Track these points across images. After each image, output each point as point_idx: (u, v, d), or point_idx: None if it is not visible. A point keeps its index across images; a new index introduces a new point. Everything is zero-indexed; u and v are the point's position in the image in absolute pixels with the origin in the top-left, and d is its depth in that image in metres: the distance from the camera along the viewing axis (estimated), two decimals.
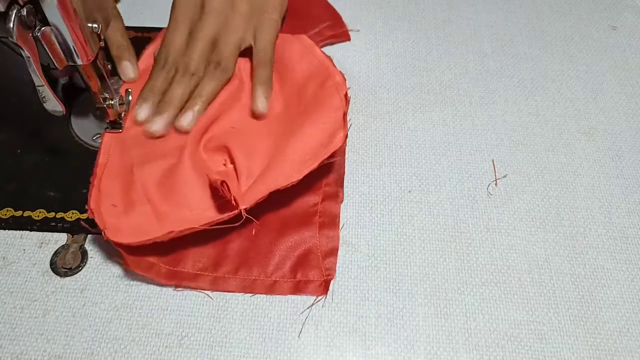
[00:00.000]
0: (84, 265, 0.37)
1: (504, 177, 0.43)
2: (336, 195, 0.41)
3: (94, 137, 0.43)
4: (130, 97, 0.41)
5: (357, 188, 0.42)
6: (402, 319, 0.36)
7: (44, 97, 0.34)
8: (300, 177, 0.37)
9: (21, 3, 0.29)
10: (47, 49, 0.32)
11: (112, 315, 0.35)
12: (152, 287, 0.36)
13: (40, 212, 0.39)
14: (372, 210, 0.41)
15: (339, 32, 0.51)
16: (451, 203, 0.41)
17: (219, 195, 0.36)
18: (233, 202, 0.35)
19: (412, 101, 0.48)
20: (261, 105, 0.42)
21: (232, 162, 0.40)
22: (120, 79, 0.44)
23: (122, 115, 0.41)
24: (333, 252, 0.38)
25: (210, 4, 0.43)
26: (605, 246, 0.40)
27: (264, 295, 0.36)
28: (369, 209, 0.41)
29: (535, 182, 0.43)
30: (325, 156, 0.38)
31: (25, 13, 0.30)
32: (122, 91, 0.42)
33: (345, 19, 0.53)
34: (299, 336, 0.35)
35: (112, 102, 0.39)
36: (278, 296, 0.36)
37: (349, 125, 0.43)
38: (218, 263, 0.37)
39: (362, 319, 0.36)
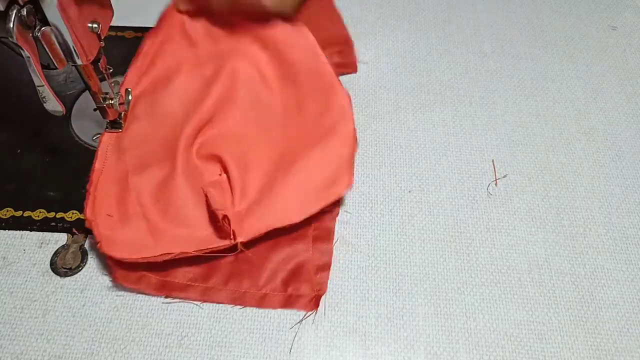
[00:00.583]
0: (84, 265, 0.37)
1: (504, 177, 0.43)
2: (331, 210, 0.40)
3: (94, 137, 0.43)
4: (130, 97, 0.41)
5: (357, 188, 0.42)
6: (402, 319, 0.36)
7: (44, 97, 0.34)
8: (298, 220, 0.36)
9: (21, 3, 0.29)
10: (47, 49, 0.32)
11: (112, 315, 0.35)
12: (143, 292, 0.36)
13: (40, 212, 0.39)
14: (372, 210, 0.41)
15: (346, 62, 0.49)
16: (451, 203, 0.41)
17: (216, 217, 0.36)
18: (232, 236, 0.35)
19: (412, 101, 0.48)
20: None
21: (226, 173, 0.39)
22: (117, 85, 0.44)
23: (122, 115, 0.41)
24: (326, 266, 0.37)
25: None
26: (605, 246, 0.40)
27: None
28: (369, 209, 0.41)
29: (535, 182, 0.43)
30: (326, 203, 0.37)
31: (25, 13, 0.30)
32: (122, 91, 0.42)
33: (345, 20, 0.53)
34: (289, 352, 0.34)
35: (112, 102, 0.39)
36: None
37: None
38: (208, 274, 0.37)
39: (362, 319, 0.36)
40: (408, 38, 0.53)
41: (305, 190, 0.38)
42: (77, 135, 0.43)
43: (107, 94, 0.39)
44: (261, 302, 0.36)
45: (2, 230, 0.38)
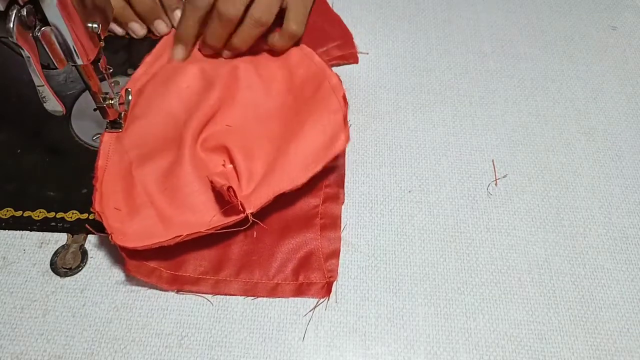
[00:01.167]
0: (84, 265, 0.37)
1: (504, 177, 0.43)
2: (337, 197, 0.41)
3: (94, 137, 0.43)
4: (130, 97, 0.41)
5: (357, 188, 0.42)
6: (402, 319, 0.36)
7: (44, 97, 0.34)
8: (305, 180, 0.37)
9: (21, 3, 0.29)
10: (47, 49, 0.32)
11: (112, 315, 0.35)
12: (152, 287, 0.36)
13: (40, 212, 0.39)
14: (372, 210, 0.41)
15: (347, 53, 0.50)
16: (451, 203, 0.41)
17: (222, 198, 0.36)
18: (240, 207, 0.35)
19: (412, 101, 0.48)
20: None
21: (232, 162, 0.40)
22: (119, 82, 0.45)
23: (122, 115, 0.41)
24: (335, 253, 0.38)
25: None
26: (605, 246, 0.40)
27: (266, 298, 0.36)
28: (369, 209, 0.41)
29: (535, 182, 0.43)
30: (328, 159, 0.38)
31: (25, 13, 0.30)
32: (121, 91, 0.42)
33: (345, 20, 0.53)
34: (302, 340, 0.35)
35: (112, 102, 0.39)
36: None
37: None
38: (219, 266, 0.37)
39: (362, 319, 0.36)
40: (408, 38, 0.53)
41: (305, 154, 0.38)
42: (77, 135, 0.43)
43: (107, 94, 0.39)
44: (273, 292, 0.36)
45: (2, 230, 0.38)
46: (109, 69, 0.38)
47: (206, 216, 0.37)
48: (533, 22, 0.55)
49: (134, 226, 0.36)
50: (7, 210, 0.39)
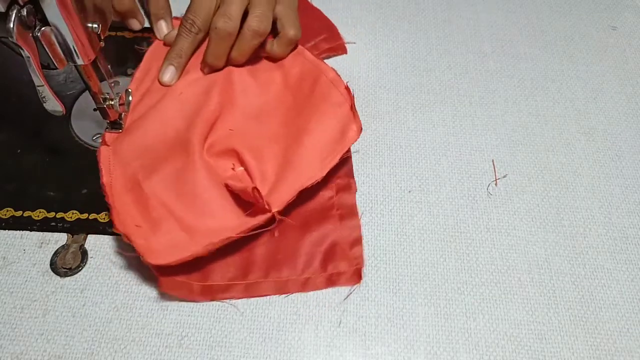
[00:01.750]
0: (84, 265, 0.37)
1: (504, 177, 0.43)
2: (349, 187, 0.41)
3: (94, 137, 0.43)
4: (130, 97, 0.41)
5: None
6: (402, 319, 0.36)
7: (44, 97, 0.34)
8: (323, 174, 0.38)
9: (21, 3, 0.29)
10: (47, 49, 0.32)
11: (112, 315, 0.35)
12: (152, 287, 0.36)
13: (40, 212, 0.39)
14: (372, 210, 0.41)
15: (335, 45, 0.51)
16: (451, 203, 0.41)
17: (242, 201, 0.36)
18: (266, 206, 0.35)
19: (412, 101, 0.48)
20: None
21: (242, 164, 0.39)
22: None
23: (122, 115, 0.41)
24: (357, 241, 0.38)
25: None
26: (605, 246, 0.40)
27: (275, 295, 0.37)
28: (369, 209, 0.41)
29: (535, 182, 0.43)
30: (343, 151, 0.39)
31: (25, 13, 0.30)
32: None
33: (345, 20, 0.53)
34: (339, 325, 0.35)
35: (112, 102, 0.39)
36: (277, 296, 0.36)
37: None
38: (247, 270, 0.37)
39: (362, 319, 0.36)
40: (408, 38, 0.53)
41: (318, 148, 0.39)
42: (77, 135, 0.43)
43: (107, 94, 0.39)
44: (305, 286, 0.37)
45: (2, 230, 0.38)
46: (107, 64, 0.38)
47: (227, 221, 0.37)
48: (533, 22, 0.55)
49: (160, 240, 0.35)
50: (7, 210, 0.39)
